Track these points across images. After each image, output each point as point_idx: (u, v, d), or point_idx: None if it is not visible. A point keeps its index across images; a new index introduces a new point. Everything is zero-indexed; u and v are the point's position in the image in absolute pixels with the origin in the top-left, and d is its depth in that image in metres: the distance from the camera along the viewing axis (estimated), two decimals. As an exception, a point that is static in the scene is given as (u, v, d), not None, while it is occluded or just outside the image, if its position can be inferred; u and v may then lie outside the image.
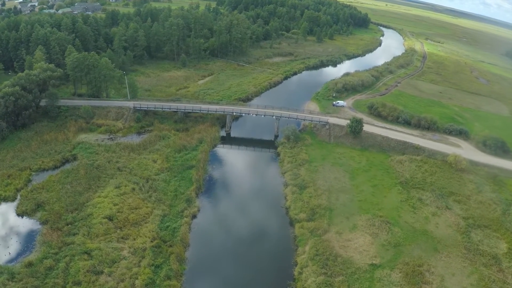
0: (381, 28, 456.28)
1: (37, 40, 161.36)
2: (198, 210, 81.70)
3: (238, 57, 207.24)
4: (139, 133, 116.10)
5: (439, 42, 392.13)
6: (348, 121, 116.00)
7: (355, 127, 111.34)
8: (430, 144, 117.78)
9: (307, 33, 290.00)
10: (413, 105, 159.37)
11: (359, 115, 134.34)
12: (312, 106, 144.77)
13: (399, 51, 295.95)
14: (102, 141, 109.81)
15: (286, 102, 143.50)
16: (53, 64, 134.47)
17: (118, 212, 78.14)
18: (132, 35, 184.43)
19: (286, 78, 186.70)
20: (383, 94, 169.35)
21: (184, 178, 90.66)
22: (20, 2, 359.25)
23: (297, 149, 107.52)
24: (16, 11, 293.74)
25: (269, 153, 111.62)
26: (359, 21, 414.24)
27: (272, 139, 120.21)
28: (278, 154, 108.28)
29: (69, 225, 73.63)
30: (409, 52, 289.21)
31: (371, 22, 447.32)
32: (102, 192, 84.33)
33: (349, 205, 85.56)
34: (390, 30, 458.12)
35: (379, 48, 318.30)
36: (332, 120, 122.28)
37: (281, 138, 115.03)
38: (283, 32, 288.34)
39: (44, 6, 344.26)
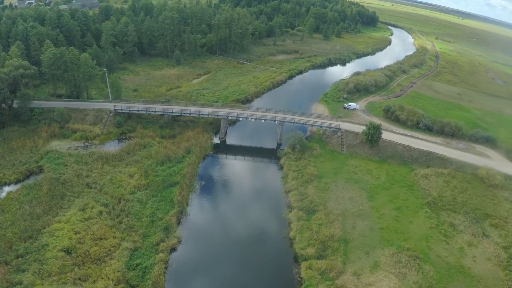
0: (389, 27, 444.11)
1: (16, 35, 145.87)
2: (179, 242, 64.76)
3: (238, 55, 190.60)
4: (119, 140, 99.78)
5: (449, 42, 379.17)
6: (364, 128, 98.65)
7: (373, 135, 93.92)
8: (456, 154, 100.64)
9: (313, 31, 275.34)
10: (432, 108, 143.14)
11: (374, 119, 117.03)
12: (320, 108, 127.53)
13: (410, 50, 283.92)
14: (76, 149, 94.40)
15: (290, 104, 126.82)
16: (26, 61, 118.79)
17: (78, 243, 62.39)
18: (122, 30, 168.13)
19: (290, 77, 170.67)
20: (399, 96, 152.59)
21: (164, 199, 73.83)
22: (17, 0, 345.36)
23: (303, 161, 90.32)
24: (12, 9, 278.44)
25: (270, 166, 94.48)
26: (367, 19, 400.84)
27: (274, 147, 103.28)
28: (281, 167, 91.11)
29: (20, 258, 58.71)
30: (421, 51, 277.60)
31: (379, 21, 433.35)
32: (64, 215, 68.50)
33: (368, 235, 68.41)
34: (399, 29, 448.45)
35: (389, 46, 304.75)
36: (345, 125, 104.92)
37: (284, 147, 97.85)
38: (288, 29, 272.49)
39: (41, 3, 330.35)
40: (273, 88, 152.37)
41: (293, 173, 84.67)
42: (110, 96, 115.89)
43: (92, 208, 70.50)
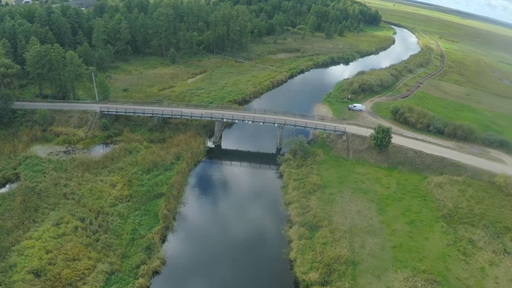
0: (392, 26, 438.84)
1: (3, 33, 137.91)
2: (162, 264, 56.21)
3: (237, 53, 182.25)
4: (106, 144, 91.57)
5: (453, 41, 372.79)
6: (372, 131, 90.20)
7: (382, 139, 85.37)
8: (471, 160, 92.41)
9: (315, 29, 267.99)
10: (440, 109, 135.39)
11: (381, 122, 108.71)
12: (324, 110, 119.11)
13: (414, 50, 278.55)
14: (57, 154, 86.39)
15: (291, 105, 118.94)
16: (9, 60, 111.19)
17: (49, 264, 54.30)
18: (114, 27, 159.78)
19: (291, 76, 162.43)
20: (406, 96, 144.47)
21: (148, 213, 65.44)
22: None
23: (305, 169, 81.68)
24: (2, 6, 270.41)
25: (269, 173, 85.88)
26: (370, 18, 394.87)
27: (274, 152, 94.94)
28: (280, 175, 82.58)
29: (-17, 281, 50.35)
30: (426, 51, 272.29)
31: (381, 20, 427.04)
32: (36, 230, 60.41)
33: (379, 255, 59.96)
34: (402, 29, 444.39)
35: (392, 46, 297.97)
36: (350, 128, 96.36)
37: (285, 153, 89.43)
38: (289, 27, 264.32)
39: (37, 2, 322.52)
40: (273, 88, 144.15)
41: (294, 183, 75.96)
42: (97, 96, 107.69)
43: (67, 223, 62.40)
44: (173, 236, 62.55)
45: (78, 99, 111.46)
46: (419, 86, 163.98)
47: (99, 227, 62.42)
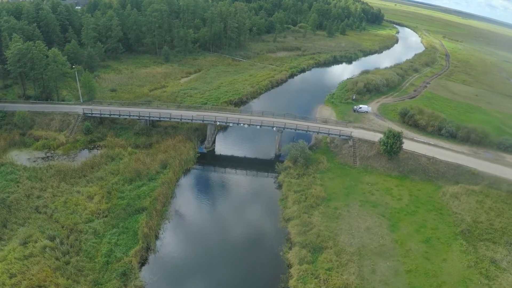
0: (395, 25, 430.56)
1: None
2: (140, 294, 47.87)
3: (234, 51, 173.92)
4: (89, 150, 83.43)
5: (457, 41, 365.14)
6: (381, 136, 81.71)
7: (393, 145, 76.80)
8: (487, 167, 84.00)
9: (316, 27, 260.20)
10: (450, 110, 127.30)
11: (388, 124, 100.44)
12: (327, 111, 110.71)
13: (418, 49, 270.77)
14: (35, 161, 78.13)
15: (292, 106, 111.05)
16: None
17: (12, 291, 45.95)
18: (105, 24, 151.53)
19: (292, 75, 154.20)
20: (413, 97, 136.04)
21: (126, 230, 57.10)
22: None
23: (307, 178, 73.00)
24: None
25: (267, 183, 77.11)
26: (372, 17, 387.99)
27: (272, 158, 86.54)
28: (279, 185, 74.02)
29: None
30: (431, 50, 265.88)
31: (384, 19, 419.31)
32: (1, 250, 52.69)
33: (393, 281, 51.64)
34: (404, 28, 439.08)
35: (396, 45, 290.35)
36: (357, 132, 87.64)
37: (284, 160, 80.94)
38: (289, 25, 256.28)
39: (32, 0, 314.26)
40: (272, 88, 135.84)
41: (295, 195, 67.19)
42: (81, 97, 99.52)
43: (35, 242, 54.36)
44: (155, 258, 54.12)
45: (63, 100, 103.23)
46: (426, 86, 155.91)
47: (70, 247, 54.36)
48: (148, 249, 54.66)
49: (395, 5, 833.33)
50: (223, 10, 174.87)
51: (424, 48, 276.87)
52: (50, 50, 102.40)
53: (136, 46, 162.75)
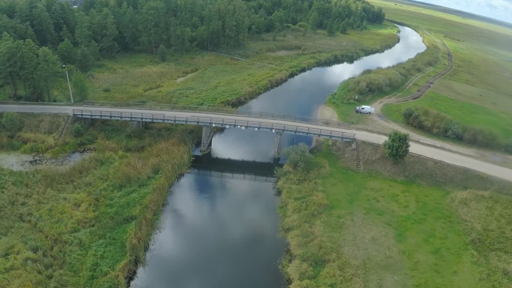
0: (396, 25, 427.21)
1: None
2: (126, 313, 43.88)
3: (233, 50, 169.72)
4: (80, 153, 79.45)
5: (458, 40, 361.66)
6: (386, 138, 77.60)
7: (398, 148, 72.68)
8: (495, 171, 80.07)
9: (317, 26, 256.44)
10: (455, 111, 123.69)
11: (392, 126, 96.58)
12: (328, 112, 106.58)
13: (420, 48, 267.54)
14: (22, 165, 74.26)
15: (292, 106, 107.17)
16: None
17: (-10, 308, 42.87)
18: (100, 22, 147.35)
19: (292, 75, 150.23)
20: (417, 97, 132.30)
21: (114, 242, 52.97)
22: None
23: (308, 184, 68.84)
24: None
25: (265, 189, 72.79)
26: (373, 16, 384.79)
27: (271, 162, 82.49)
28: (278, 191, 69.86)
29: None
30: (432, 49, 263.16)
31: (384, 19, 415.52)
32: (-18, 262, 48.60)
33: (402, 298, 47.56)
34: (405, 27, 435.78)
35: (397, 44, 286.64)
36: (360, 135, 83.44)
37: (284, 164, 76.80)
38: (289, 24, 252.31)
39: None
40: (272, 87, 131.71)
41: (295, 203, 62.99)
42: (72, 98, 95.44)
43: (17, 253, 50.57)
44: (144, 272, 50.05)
45: (55, 101, 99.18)
46: (429, 86, 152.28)
47: (54, 259, 50.47)
48: (136, 262, 50.64)
49: (395, 4, 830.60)
50: (221, 8, 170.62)
51: (425, 48, 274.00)
52: (40, 49, 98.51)
53: (132, 45, 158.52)
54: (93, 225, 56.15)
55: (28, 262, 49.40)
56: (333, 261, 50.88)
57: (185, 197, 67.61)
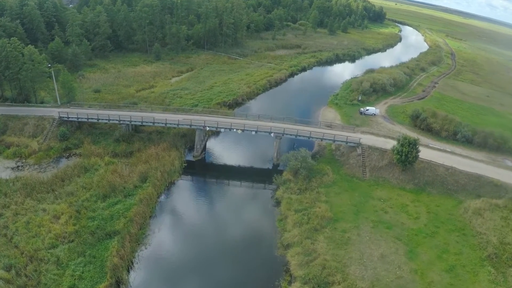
0: (397, 24, 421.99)
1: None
2: None
3: (231, 49, 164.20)
4: (67, 158, 74.12)
5: (461, 40, 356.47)
6: (394, 142, 72.07)
7: (408, 154, 67.14)
8: (509, 177, 74.60)
9: (317, 25, 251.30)
10: (463, 113, 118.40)
11: (398, 128, 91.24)
12: (330, 114, 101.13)
13: (422, 47, 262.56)
14: (3, 171, 69.53)
15: (292, 108, 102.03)
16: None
17: None
18: (92, 20, 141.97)
19: (292, 75, 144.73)
20: (422, 98, 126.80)
21: (94, 260, 47.54)
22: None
23: (310, 194, 63.14)
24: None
25: (263, 199, 67.08)
26: (374, 15, 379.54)
27: (270, 168, 77.05)
28: (277, 202, 64.29)
29: None
30: (435, 49, 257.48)
31: (386, 18, 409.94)
32: None
33: (416, 326, 42.13)
34: (407, 27, 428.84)
35: (399, 43, 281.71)
36: (365, 139, 77.79)
37: (284, 171, 71.22)
38: (289, 23, 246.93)
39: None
40: (271, 88, 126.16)
41: (295, 215, 57.27)
42: (58, 99, 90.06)
43: (-12, 273, 45.17)
44: (126, 296, 44.67)
45: (42, 102, 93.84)
46: (434, 86, 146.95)
47: (28, 279, 45.19)
48: (118, 283, 45.15)
49: (396, 4, 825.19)
50: (219, 6, 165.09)
51: (428, 47, 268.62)
52: (25, 48, 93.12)
53: (126, 43, 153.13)
54: (72, 241, 50.72)
55: (1, 282, 44.33)
56: (338, 284, 45.33)
57: (175, 208, 61.83)
